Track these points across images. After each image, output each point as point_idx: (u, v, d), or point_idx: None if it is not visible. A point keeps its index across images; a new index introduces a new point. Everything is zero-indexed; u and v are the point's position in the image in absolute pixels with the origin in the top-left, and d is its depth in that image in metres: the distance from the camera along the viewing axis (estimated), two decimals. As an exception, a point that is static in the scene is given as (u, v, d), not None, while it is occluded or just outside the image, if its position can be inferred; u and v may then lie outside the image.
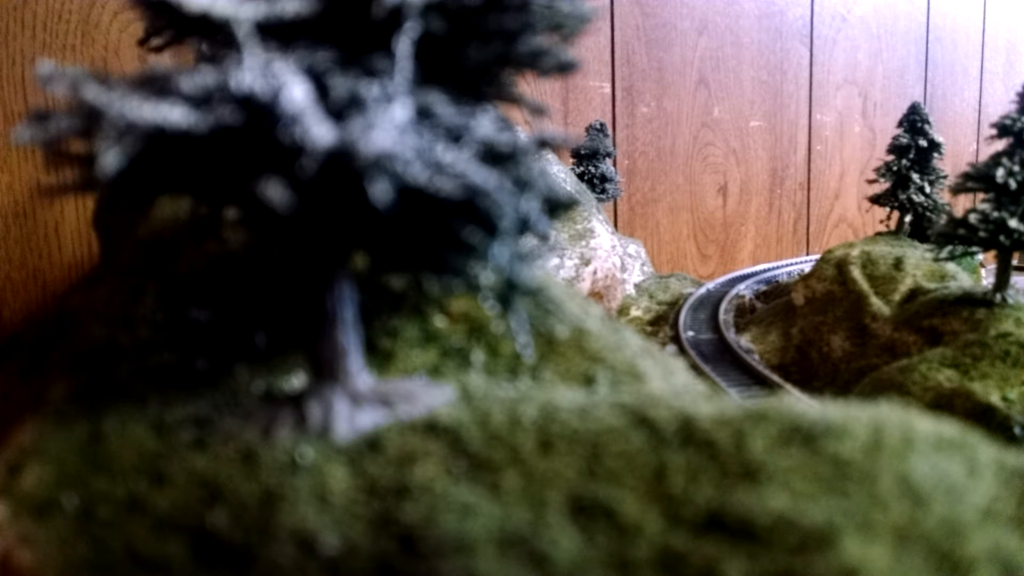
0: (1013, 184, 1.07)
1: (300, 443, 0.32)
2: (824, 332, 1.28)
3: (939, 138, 1.58)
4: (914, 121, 1.59)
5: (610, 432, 0.31)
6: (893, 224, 1.63)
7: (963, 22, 2.72)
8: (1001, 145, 1.14)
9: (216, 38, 0.31)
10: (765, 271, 1.84)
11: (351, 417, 0.33)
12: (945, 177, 1.59)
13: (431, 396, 0.35)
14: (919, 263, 1.34)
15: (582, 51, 1.65)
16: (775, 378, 1.12)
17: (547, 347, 0.44)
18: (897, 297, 1.26)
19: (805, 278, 1.44)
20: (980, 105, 2.84)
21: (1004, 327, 1.03)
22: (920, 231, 1.57)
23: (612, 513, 0.27)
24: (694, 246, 2.08)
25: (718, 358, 1.24)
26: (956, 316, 1.10)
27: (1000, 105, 2.54)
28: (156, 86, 0.28)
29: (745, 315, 1.53)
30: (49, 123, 0.28)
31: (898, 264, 1.34)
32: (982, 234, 1.07)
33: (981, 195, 1.13)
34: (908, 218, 1.60)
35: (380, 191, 0.27)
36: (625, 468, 0.29)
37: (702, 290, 1.57)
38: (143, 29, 0.36)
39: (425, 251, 0.31)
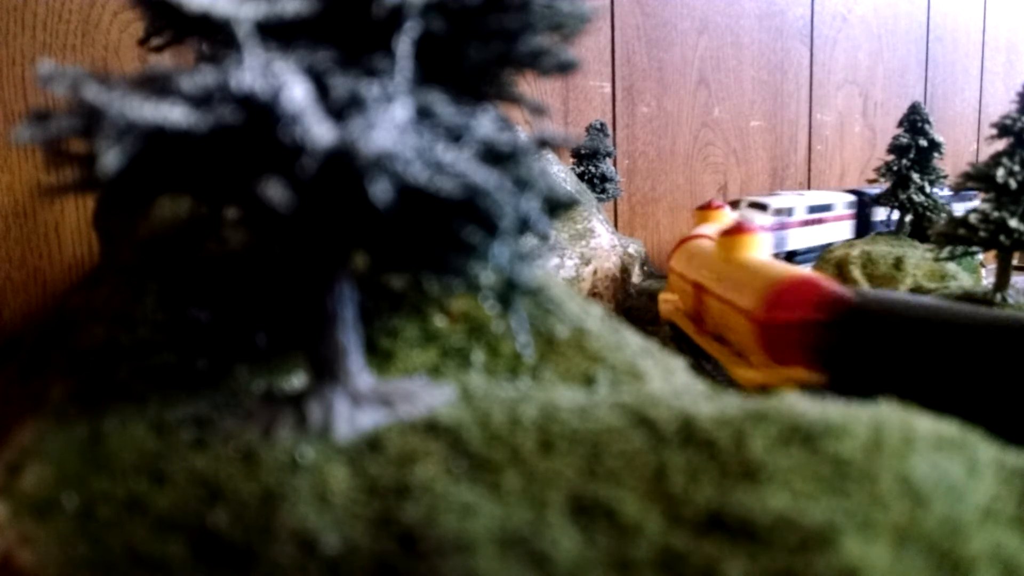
0: (1013, 184, 1.07)
1: (300, 443, 0.32)
2: (824, 332, 1.27)
3: (939, 138, 1.58)
4: (914, 121, 1.59)
5: (610, 432, 0.31)
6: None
7: (963, 22, 2.72)
8: (1001, 145, 1.14)
9: (216, 38, 0.31)
10: (765, 271, 1.83)
11: (351, 417, 0.33)
12: (945, 177, 1.59)
13: (431, 396, 0.35)
14: (919, 263, 1.34)
15: (582, 51, 1.65)
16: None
17: (547, 347, 0.44)
18: (897, 297, 1.26)
19: (805, 278, 1.43)
20: (980, 105, 2.84)
21: (1004, 327, 1.02)
22: (920, 231, 1.57)
23: (612, 513, 0.27)
24: (694, 246, 2.07)
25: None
26: (956, 316, 1.10)
27: (1000, 105, 2.54)
28: (156, 86, 0.28)
29: (745, 315, 1.52)
30: (49, 123, 0.28)
31: (898, 264, 1.34)
32: (982, 234, 1.07)
33: (981, 195, 1.13)
34: (908, 218, 1.60)
35: (380, 191, 0.27)
36: (625, 468, 0.29)
37: (702, 290, 1.56)
38: (143, 29, 0.36)
39: (425, 251, 0.31)
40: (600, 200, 1.53)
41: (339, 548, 0.27)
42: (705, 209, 1.23)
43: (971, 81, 2.81)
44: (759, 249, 0.90)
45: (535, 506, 0.28)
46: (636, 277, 1.43)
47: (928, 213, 1.57)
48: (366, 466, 0.30)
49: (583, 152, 1.56)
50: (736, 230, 0.91)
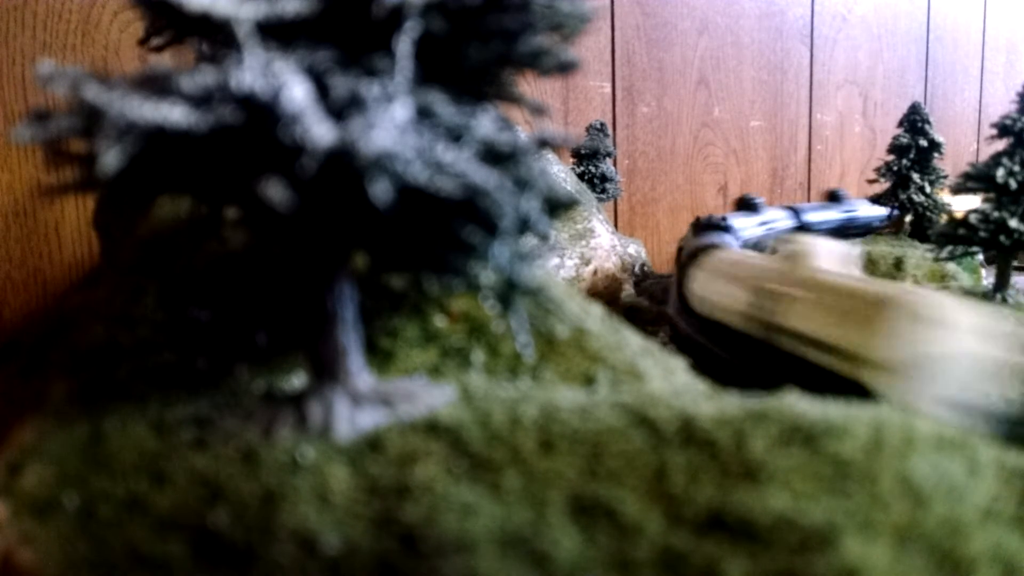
0: (1013, 184, 1.07)
1: (301, 443, 0.32)
2: (824, 332, 1.27)
3: (939, 138, 1.58)
4: (914, 121, 1.59)
5: (611, 432, 0.31)
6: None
7: (963, 22, 2.72)
8: (1001, 145, 1.14)
9: (216, 38, 0.31)
10: (765, 271, 1.83)
11: (352, 417, 0.33)
12: (945, 177, 1.59)
13: (431, 396, 0.35)
14: (919, 263, 1.34)
15: (582, 51, 1.65)
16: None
17: (547, 347, 0.44)
18: (897, 297, 1.26)
19: (805, 278, 1.44)
20: (980, 105, 2.84)
21: (1004, 327, 1.02)
22: (920, 231, 1.57)
23: (613, 513, 0.27)
24: (694, 246, 2.07)
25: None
26: (956, 316, 1.10)
27: (1000, 105, 2.54)
28: (156, 86, 0.28)
29: (745, 315, 1.52)
30: (49, 122, 0.28)
31: (898, 264, 1.34)
32: (982, 234, 1.07)
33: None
34: (908, 218, 1.60)
35: (380, 191, 0.27)
36: (626, 468, 0.29)
37: (702, 290, 1.56)
38: (143, 29, 0.36)
39: (425, 251, 0.31)
40: (600, 200, 1.53)
41: (339, 548, 0.27)
42: None
43: (971, 81, 2.81)
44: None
45: (535, 506, 0.28)
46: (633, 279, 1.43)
47: (928, 213, 1.56)
48: (366, 466, 0.30)
49: (583, 152, 1.56)
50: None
